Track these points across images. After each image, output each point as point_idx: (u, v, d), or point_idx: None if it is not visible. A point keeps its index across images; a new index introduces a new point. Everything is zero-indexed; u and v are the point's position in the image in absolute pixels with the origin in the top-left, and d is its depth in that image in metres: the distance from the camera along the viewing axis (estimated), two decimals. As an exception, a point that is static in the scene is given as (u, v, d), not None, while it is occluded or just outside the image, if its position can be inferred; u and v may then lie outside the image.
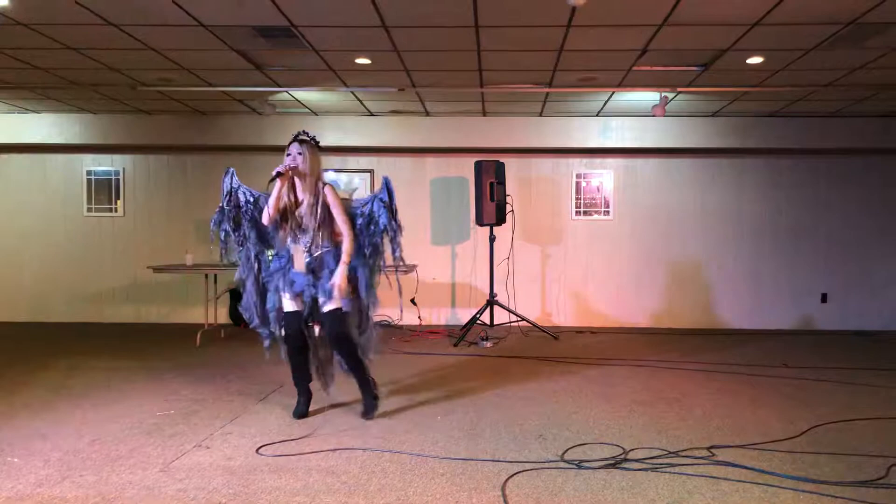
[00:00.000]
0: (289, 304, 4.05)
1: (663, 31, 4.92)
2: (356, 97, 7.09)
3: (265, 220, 3.97)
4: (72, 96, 7.09)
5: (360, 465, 3.29)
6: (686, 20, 4.70)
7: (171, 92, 6.84)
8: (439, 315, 8.46)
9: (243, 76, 6.22)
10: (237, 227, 4.19)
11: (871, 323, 8.26)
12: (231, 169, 4.28)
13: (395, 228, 4.17)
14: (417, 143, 8.10)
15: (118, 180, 8.46)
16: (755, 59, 5.58)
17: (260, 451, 3.47)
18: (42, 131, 8.00)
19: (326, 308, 3.99)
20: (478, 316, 7.33)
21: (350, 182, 8.43)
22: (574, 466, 3.28)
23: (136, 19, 4.73)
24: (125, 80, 6.34)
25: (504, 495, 2.90)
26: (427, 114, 7.93)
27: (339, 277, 3.92)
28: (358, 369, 4.16)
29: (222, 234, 4.18)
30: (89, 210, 8.49)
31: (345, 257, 3.96)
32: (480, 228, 7.96)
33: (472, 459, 3.37)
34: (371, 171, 8.47)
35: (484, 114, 7.93)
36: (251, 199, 4.21)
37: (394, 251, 4.23)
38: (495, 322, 7.43)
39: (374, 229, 4.17)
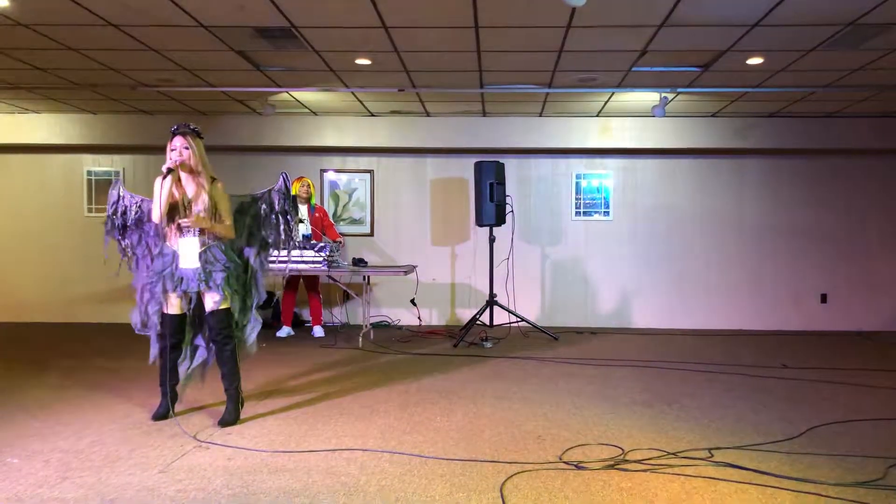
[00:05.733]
0: (172, 307, 4.00)
1: (663, 31, 4.92)
2: (356, 97, 7.09)
3: (154, 217, 3.93)
4: (72, 97, 7.09)
5: (359, 465, 3.29)
6: (686, 21, 4.70)
7: (171, 92, 6.85)
8: (439, 316, 8.45)
9: (243, 76, 6.22)
10: (123, 233, 4.17)
11: (871, 323, 8.26)
12: (118, 179, 4.36)
13: (289, 210, 4.21)
14: (417, 143, 8.10)
15: (118, 175, 8.45)
16: (755, 60, 5.58)
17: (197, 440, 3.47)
18: (42, 132, 8.00)
19: (215, 307, 3.95)
20: (477, 316, 7.33)
21: (349, 182, 8.50)
22: (573, 467, 3.29)
23: (137, 20, 4.73)
24: (125, 80, 6.35)
25: (503, 496, 2.90)
26: (427, 114, 7.93)
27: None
28: (234, 373, 4.05)
29: (117, 244, 4.20)
30: (90, 210, 8.48)
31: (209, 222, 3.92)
32: (480, 229, 7.96)
33: (471, 460, 3.38)
34: (371, 172, 8.47)
35: (484, 114, 7.93)
36: (134, 204, 4.17)
37: (289, 234, 4.24)
38: (495, 322, 7.43)
39: (273, 219, 4.20)
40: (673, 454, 3.48)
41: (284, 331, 7.40)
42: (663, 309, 8.39)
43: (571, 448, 3.58)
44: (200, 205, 3.91)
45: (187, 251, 3.90)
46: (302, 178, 7.39)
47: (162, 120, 7.97)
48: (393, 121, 8.05)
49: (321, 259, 6.74)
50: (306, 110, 7.73)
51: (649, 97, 6.91)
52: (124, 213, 4.15)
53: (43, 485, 3.00)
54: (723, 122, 7.91)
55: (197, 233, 3.92)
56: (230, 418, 3.98)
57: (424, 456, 3.44)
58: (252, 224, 4.20)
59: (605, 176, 8.43)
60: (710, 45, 5.23)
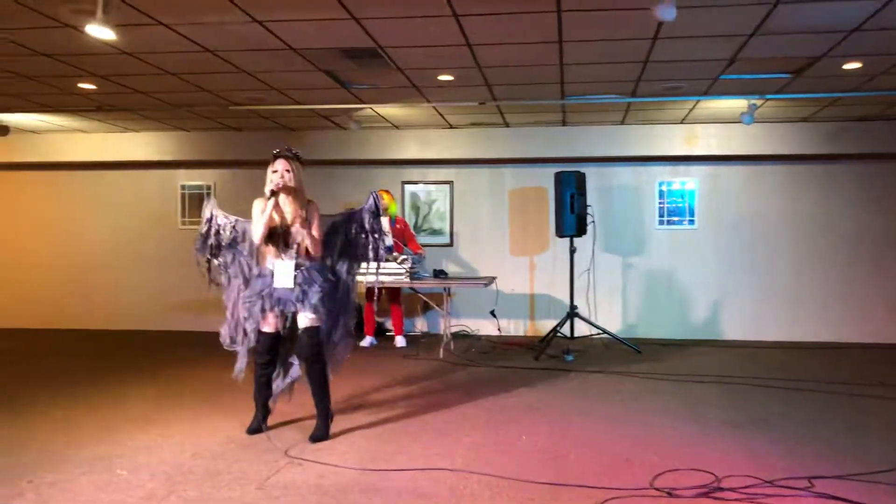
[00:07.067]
0: (268, 325, 4.12)
1: (753, 40, 4.78)
2: (437, 111, 7.17)
3: (256, 239, 4.06)
4: (168, 116, 7.46)
5: (448, 487, 3.32)
6: (778, 29, 4.55)
7: (260, 110, 7.09)
8: (518, 326, 8.44)
9: (329, 94, 6.39)
10: (217, 252, 4.32)
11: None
12: (211, 197, 4.51)
13: (377, 229, 4.34)
14: (496, 154, 8.12)
15: (209, 194, 8.81)
16: (852, 65, 5.35)
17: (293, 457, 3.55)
18: (140, 149, 8.44)
19: (307, 324, 4.05)
20: (558, 328, 7.27)
21: (430, 194, 8.59)
22: (665, 494, 3.22)
23: (233, 45, 4.95)
24: (218, 100, 6.62)
25: (594, 524, 2.88)
26: (506, 125, 7.94)
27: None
28: (324, 390, 4.16)
29: (206, 261, 4.35)
30: (183, 223, 8.88)
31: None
32: (559, 239, 7.90)
33: (560, 484, 3.36)
34: (451, 183, 8.55)
35: (564, 123, 7.87)
36: (228, 224, 4.32)
37: (377, 251, 4.36)
38: (576, 334, 7.36)
39: (363, 237, 4.33)
40: (769, 482, 3.35)
41: (367, 341, 7.54)
42: (751, 320, 8.11)
43: (662, 473, 3.50)
44: (297, 226, 4.05)
45: (283, 272, 4.05)
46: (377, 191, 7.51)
47: (250, 136, 8.27)
48: (472, 132, 8.09)
49: (403, 271, 6.84)
50: (388, 124, 7.87)
51: (736, 104, 6.71)
52: (218, 232, 4.33)
53: (151, 498, 3.16)
54: (814, 126, 7.59)
55: (294, 255, 4.06)
56: (321, 434, 4.09)
57: (512, 478, 3.43)
58: (344, 242, 4.33)
59: (689, 183, 8.23)
60: (803, 51, 5.06)
